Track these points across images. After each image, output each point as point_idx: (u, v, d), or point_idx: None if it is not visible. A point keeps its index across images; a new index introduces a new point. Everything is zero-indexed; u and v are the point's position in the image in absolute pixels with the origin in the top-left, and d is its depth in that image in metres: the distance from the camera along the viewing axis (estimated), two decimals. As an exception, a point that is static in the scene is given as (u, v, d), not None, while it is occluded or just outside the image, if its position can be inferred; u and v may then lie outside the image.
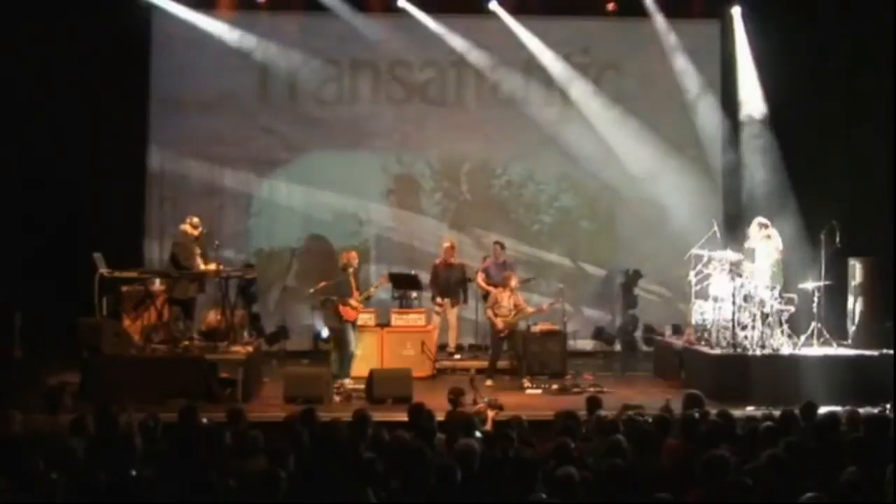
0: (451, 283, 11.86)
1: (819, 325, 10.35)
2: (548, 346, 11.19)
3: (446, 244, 12.13)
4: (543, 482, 4.79)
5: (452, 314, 11.87)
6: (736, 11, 12.92)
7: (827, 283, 10.52)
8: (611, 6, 13.08)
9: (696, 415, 6.26)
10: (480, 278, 11.76)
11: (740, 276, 10.14)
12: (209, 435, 5.68)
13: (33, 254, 11.75)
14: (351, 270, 10.47)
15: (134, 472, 4.93)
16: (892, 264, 10.72)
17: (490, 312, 10.92)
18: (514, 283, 11.02)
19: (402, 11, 12.78)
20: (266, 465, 5.18)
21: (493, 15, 12.94)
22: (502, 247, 12.07)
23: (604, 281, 13.47)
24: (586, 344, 12.64)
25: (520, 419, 6.57)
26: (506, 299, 10.93)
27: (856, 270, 10.71)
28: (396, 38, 13.02)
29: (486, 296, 11.51)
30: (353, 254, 10.73)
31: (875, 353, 10.12)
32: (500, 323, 10.77)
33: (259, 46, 12.97)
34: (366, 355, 10.77)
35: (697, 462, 4.82)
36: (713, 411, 6.50)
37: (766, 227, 10.56)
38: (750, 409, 8.20)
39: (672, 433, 5.89)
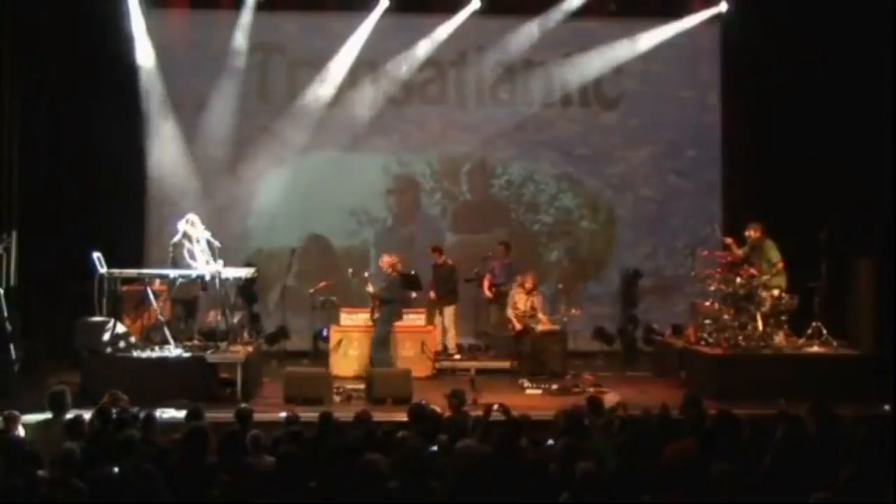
0: (439, 283, 11.92)
1: (819, 324, 10.36)
2: (548, 346, 11.19)
3: (433, 245, 12.23)
4: (547, 482, 4.81)
5: (447, 315, 11.87)
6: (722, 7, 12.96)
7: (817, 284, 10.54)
8: (611, 6, 13.08)
9: (701, 416, 6.27)
10: (487, 280, 11.83)
11: (740, 276, 10.15)
12: (223, 435, 5.69)
13: (33, 253, 11.76)
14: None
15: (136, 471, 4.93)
16: (893, 264, 10.76)
17: (510, 312, 11.07)
18: (528, 284, 11.09)
19: (402, 11, 12.78)
20: (272, 464, 5.20)
21: (493, 15, 12.95)
22: (508, 248, 12.09)
23: (604, 281, 13.48)
24: (586, 344, 12.62)
25: (528, 418, 6.64)
26: (522, 301, 11.05)
27: (857, 270, 10.73)
28: (396, 38, 13.03)
29: (495, 296, 11.66)
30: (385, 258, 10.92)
31: (875, 352, 10.15)
32: (515, 322, 10.93)
33: (259, 46, 13.00)
34: (366, 355, 10.79)
35: (702, 463, 4.81)
36: (712, 411, 6.51)
37: (765, 228, 10.55)
38: (750, 409, 8.20)
39: (675, 434, 5.88)
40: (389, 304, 10.60)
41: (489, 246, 12.56)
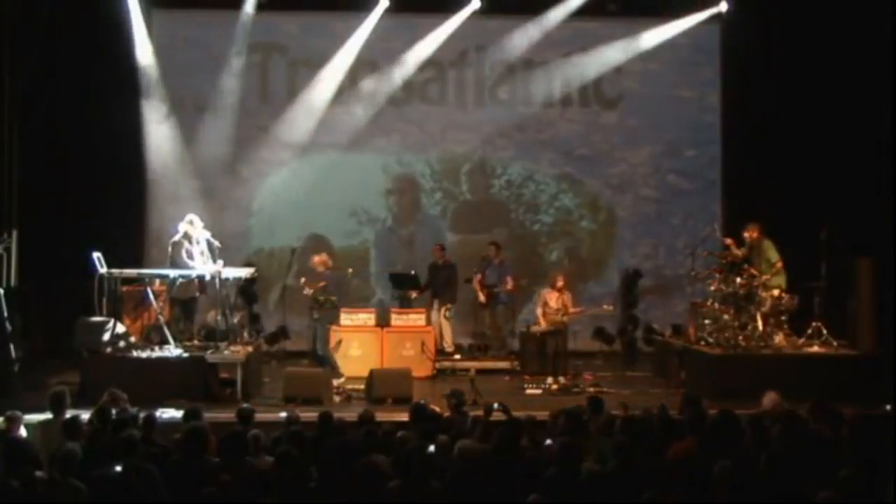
0: (438, 283, 11.91)
1: (819, 324, 10.36)
2: (548, 345, 11.17)
3: (436, 245, 12.22)
4: (549, 482, 4.81)
5: (441, 313, 11.84)
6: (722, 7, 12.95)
7: (817, 284, 10.54)
8: (611, 6, 13.07)
9: (700, 415, 6.26)
10: (477, 280, 11.80)
11: (741, 275, 10.15)
12: (224, 435, 5.69)
13: (33, 254, 11.76)
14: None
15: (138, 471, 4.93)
16: (893, 264, 10.75)
17: (539, 311, 11.00)
18: (560, 283, 11.02)
19: (402, 11, 12.78)
20: (272, 464, 5.21)
21: (493, 15, 12.95)
22: (498, 247, 12.07)
23: (604, 281, 13.48)
24: (586, 344, 12.61)
25: (533, 417, 6.65)
26: (554, 300, 10.98)
27: (857, 270, 10.72)
28: (396, 38, 13.03)
29: (488, 297, 11.61)
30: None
31: (875, 352, 10.15)
32: (543, 322, 10.83)
33: (259, 46, 13.00)
34: (366, 355, 10.79)
35: (705, 463, 4.81)
36: (712, 411, 6.50)
37: (762, 228, 10.55)
38: (750, 409, 8.19)
39: (675, 434, 5.88)
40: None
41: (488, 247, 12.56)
